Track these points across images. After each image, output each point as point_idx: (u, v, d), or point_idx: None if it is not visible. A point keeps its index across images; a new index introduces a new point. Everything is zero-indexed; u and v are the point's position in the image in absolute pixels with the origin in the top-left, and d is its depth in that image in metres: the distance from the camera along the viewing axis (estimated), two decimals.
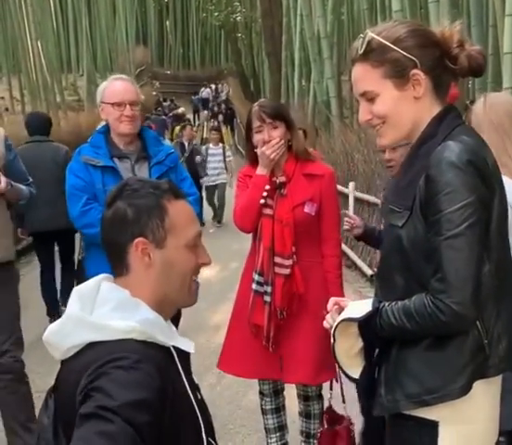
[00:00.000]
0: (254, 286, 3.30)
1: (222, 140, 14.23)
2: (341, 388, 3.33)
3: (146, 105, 25.38)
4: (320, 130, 13.37)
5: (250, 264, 3.37)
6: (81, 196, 3.42)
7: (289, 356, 3.26)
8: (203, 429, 1.53)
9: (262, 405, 3.62)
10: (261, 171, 3.26)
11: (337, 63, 14.40)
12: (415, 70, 1.84)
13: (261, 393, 3.62)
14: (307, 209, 3.28)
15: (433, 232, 1.76)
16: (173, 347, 1.54)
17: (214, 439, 1.59)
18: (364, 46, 1.86)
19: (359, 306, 1.91)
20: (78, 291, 1.55)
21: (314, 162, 3.46)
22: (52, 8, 23.35)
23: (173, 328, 1.63)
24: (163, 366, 1.44)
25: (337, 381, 3.29)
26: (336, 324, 1.89)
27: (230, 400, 4.75)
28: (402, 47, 1.83)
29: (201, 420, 1.53)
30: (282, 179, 3.29)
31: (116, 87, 3.53)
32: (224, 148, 12.65)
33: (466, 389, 1.78)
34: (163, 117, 25.43)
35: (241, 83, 28.66)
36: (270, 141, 3.23)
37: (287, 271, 3.24)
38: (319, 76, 14.20)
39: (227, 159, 12.38)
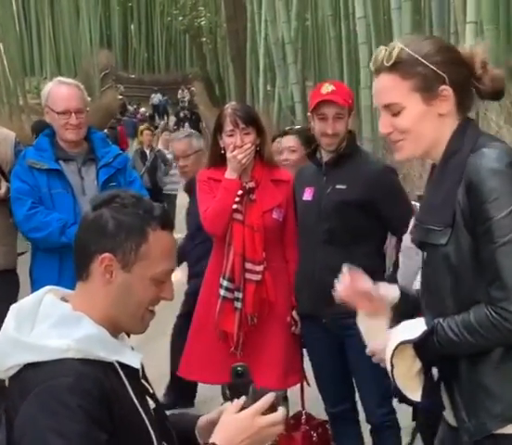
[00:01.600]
0: (222, 291, 3.28)
1: None
2: (302, 393, 3.38)
3: (110, 109, 25.25)
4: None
5: (215, 269, 3.36)
6: (25, 200, 3.37)
7: (258, 361, 3.26)
8: (155, 440, 1.52)
9: None
10: (230, 175, 3.26)
11: (301, 69, 14.48)
12: (443, 86, 1.81)
13: (225, 398, 3.63)
14: (275, 214, 3.31)
15: (485, 241, 1.73)
16: (119, 362, 1.51)
17: None
18: (393, 57, 1.82)
19: (410, 326, 1.84)
20: (16, 308, 1.52)
21: (279, 168, 3.50)
22: (14, 10, 23.09)
23: (126, 341, 1.61)
24: (104, 382, 1.43)
25: (309, 385, 3.34)
26: (393, 349, 1.80)
27: (197, 405, 4.75)
28: (432, 62, 1.80)
29: (153, 431, 1.52)
30: (251, 184, 3.31)
31: (61, 94, 3.46)
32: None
33: None
34: (133, 119, 25.35)
35: (206, 88, 28.64)
36: (242, 146, 3.24)
37: (258, 277, 3.25)
38: (284, 81, 14.27)
39: None
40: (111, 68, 33.24)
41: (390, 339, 1.84)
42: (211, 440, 1.47)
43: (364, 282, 1.99)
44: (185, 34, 33.23)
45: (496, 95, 1.88)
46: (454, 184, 1.79)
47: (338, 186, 3.16)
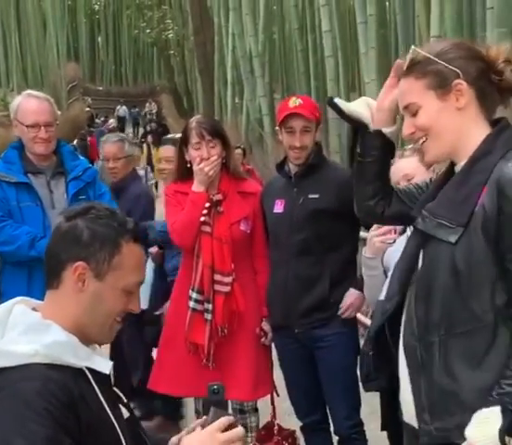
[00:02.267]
0: (192, 303, 3.29)
1: (150, 160, 12.94)
2: (272, 404, 3.40)
3: (77, 121, 25.12)
4: (253, 147, 13.49)
5: (184, 281, 3.37)
6: None
7: (228, 372, 3.27)
8: None
9: None
10: (197, 188, 3.27)
11: (269, 81, 14.56)
12: (457, 80, 1.84)
13: (197, 412, 3.64)
14: (243, 226, 3.33)
15: None
16: (89, 368, 1.52)
17: None
18: (408, 62, 1.89)
19: (483, 424, 1.71)
20: None
21: (247, 180, 3.54)
22: None
23: (97, 348, 1.62)
24: (72, 388, 1.44)
25: (278, 395, 3.35)
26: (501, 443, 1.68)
27: None
28: (444, 59, 1.85)
29: (124, 439, 1.53)
30: (218, 197, 3.32)
31: (31, 107, 3.43)
32: (146, 170, 10.93)
33: None
34: (104, 130, 25.25)
35: (174, 100, 28.66)
36: (208, 158, 3.26)
37: (227, 288, 3.27)
38: (251, 94, 14.34)
39: (150, 183, 10.57)
40: (79, 80, 33.09)
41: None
42: None
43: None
44: (153, 47, 33.27)
45: None
46: (478, 185, 1.79)
47: (310, 196, 3.21)
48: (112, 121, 28.97)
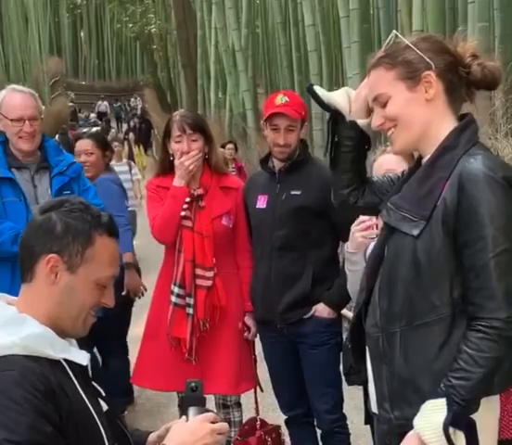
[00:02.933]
0: (173, 298, 3.30)
1: (131, 157, 12.23)
2: (255, 399, 3.41)
3: (60, 116, 24.97)
4: (237, 142, 13.48)
5: (166, 277, 3.37)
6: None
7: (210, 367, 3.28)
8: (106, 440, 1.53)
9: (180, 418, 3.63)
10: (178, 182, 3.27)
11: (252, 76, 14.54)
12: (427, 72, 1.86)
13: (180, 406, 3.64)
14: (225, 221, 3.34)
15: (476, 249, 1.74)
16: (67, 360, 1.53)
17: None
18: (389, 42, 1.92)
19: (428, 415, 1.76)
20: None
21: (228, 175, 3.54)
22: None
23: (73, 341, 1.63)
24: (50, 377, 1.45)
25: (262, 390, 3.36)
26: (444, 435, 1.72)
27: (151, 412, 4.74)
28: (418, 48, 1.87)
29: (104, 430, 1.53)
30: (199, 191, 3.32)
31: (15, 101, 3.40)
32: (129, 164, 9.90)
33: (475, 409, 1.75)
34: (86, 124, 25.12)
35: (158, 95, 28.55)
36: (189, 152, 3.25)
37: (208, 282, 3.27)
38: (235, 89, 14.32)
39: (134, 178, 9.68)
40: (61, 75, 32.83)
41: (425, 436, 1.74)
42: (164, 442, 1.52)
43: None
44: (136, 41, 33.12)
45: (488, 83, 1.90)
46: (441, 179, 1.82)
47: (292, 192, 3.21)
48: (93, 116, 28.82)
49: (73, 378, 1.52)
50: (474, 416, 1.75)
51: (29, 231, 1.59)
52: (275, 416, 3.76)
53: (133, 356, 5.27)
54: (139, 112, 30.08)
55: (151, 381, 3.43)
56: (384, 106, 1.91)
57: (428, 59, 1.87)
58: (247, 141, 13.28)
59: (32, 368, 1.44)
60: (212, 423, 1.54)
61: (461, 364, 1.74)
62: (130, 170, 9.59)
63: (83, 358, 1.58)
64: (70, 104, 29.99)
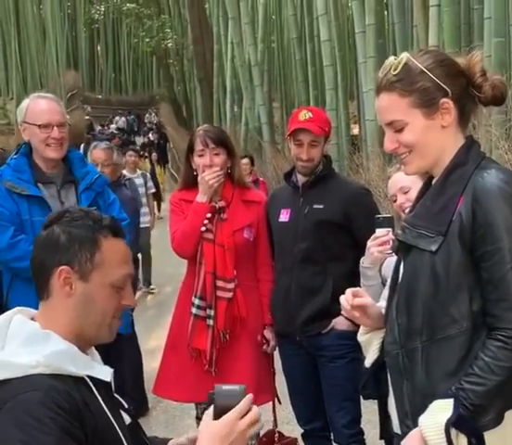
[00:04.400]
0: (194, 310, 3.32)
1: (153, 176, 11.05)
2: (274, 411, 3.41)
3: (77, 129, 25.17)
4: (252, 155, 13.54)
5: (188, 289, 3.39)
6: (7, 226, 3.17)
7: (229, 379, 3.28)
8: None
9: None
10: (201, 198, 3.30)
11: (268, 90, 14.63)
12: (444, 99, 1.84)
13: (198, 418, 3.64)
14: (246, 234, 3.36)
15: (494, 261, 1.75)
16: (90, 376, 1.53)
17: None
18: (400, 66, 1.85)
19: (433, 414, 1.77)
20: None
21: (251, 189, 3.57)
22: None
23: (96, 356, 1.63)
24: (75, 395, 1.45)
25: (280, 403, 3.36)
26: (445, 435, 1.73)
27: (166, 424, 4.75)
28: (435, 75, 1.84)
29: (127, 444, 1.54)
30: (221, 204, 3.35)
31: (42, 107, 3.28)
32: (145, 177, 9.12)
33: (497, 421, 1.78)
34: (106, 135, 25.22)
35: (174, 109, 28.71)
36: (211, 166, 3.29)
37: (229, 294, 3.29)
38: (251, 103, 14.40)
39: (149, 191, 9.11)
40: (78, 88, 33.15)
41: (426, 433, 1.76)
42: None
43: (365, 298, 2.04)
44: (152, 56, 33.33)
45: (498, 100, 1.91)
46: (455, 195, 1.83)
47: (315, 206, 3.24)
48: (113, 127, 28.82)
49: (97, 394, 1.52)
50: (500, 430, 1.76)
51: (36, 248, 1.60)
52: (290, 429, 3.75)
53: (148, 367, 5.33)
54: (154, 127, 30.12)
55: (172, 392, 3.45)
56: (398, 131, 1.89)
57: (444, 86, 1.84)
58: (262, 155, 13.33)
59: (57, 387, 1.44)
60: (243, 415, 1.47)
61: (475, 370, 1.76)
62: (145, 182, 8.91)
63: (106, 373, 1.58)
64: (87, 117, 30.21)
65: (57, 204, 3.26)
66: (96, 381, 1.54)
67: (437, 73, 1.85)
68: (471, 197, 1.79)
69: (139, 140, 28.50)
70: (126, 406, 1.65)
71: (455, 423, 1.73)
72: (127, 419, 1.62)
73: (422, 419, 1.79)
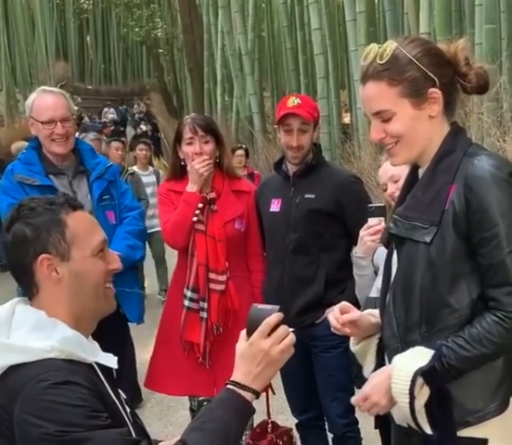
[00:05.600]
0: (187, 302, 3.30)
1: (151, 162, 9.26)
2: (267, 402, 3.40)
3: None
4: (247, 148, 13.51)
5: (178, 281, 3.37)
6: None
7: (223, 371, 3.27)
8: None
9: None
10: (191, 188, 3.27)
11: (259, 79, 14.57)
12: (432, 89, 1.83)
13: (191, 410, 3.64)
14: (237, 225, 3.34)
15: (492, 247, 1.75)
16: (96, 363, 1.55)
17: None
18: (388, 55, 1.81)
19: (410, 358, 1.80)
20: None
21: (240, 179, 3.54)
22: None
23: (96, 345, 1.64)
24: (90, 380, 1.47)
25: (274, 393, 3.35)
26: (411, 379, 1.76)
27: (160, 416, 4.75)
28: (422, 64, 1.81)
29: (134, 431, 1.55)
30: (212, 195, 3.33)
31: (46, 103, 3.29)
32: (157, 174, 7.89)
33: (504, 406, 1.81)
34: (97, 124, 24.99)
35: (164, 99, 28.58)
36: (201, 153, 3.26)
37: (221, 286, 3.27)
38: (241, 92, 14.35)
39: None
40: (68, 79, 32.93)
41: (394, 374, 1.79)
42: (232, 379, 1.53)
43: (352, 313, 2.01)
44: (142, 45, 33.15)
45: (482, 89, 1.90)
46: (445, 184, 1.82)
47: (306, 196, 3.22)
48: (111, 117, 28.54)
49: (104, 381, 1.54)
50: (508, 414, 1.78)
51: (9, 252, 1.60)
52: (284, 419, 3.75)
53: (140, 358, 5.31)
54: (144, 116, 29.88)
55: (164, 385, 3.44)
56: (386, 121, 1.86)
57: (432, 76, 1.82)
58: (254, 144, 13.29)
59: (75, 369, 1.46)
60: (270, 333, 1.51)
61: (465, 335, 1.77)
62: (158, 181, 7.57)
63: (112, 361, 1.60)
64: (76, 108, 30.05)
65: (70, 194, 3.20)
66: (101, 368, 1.56)
67: (425, 63, 1.82)
68: (463, 185, 1.78)
69: (130, 132, 28.17)
70: (124, 396, 1.66)
71: (425, 373, 1.75)
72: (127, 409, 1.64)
73: (397, 359, 1.81)
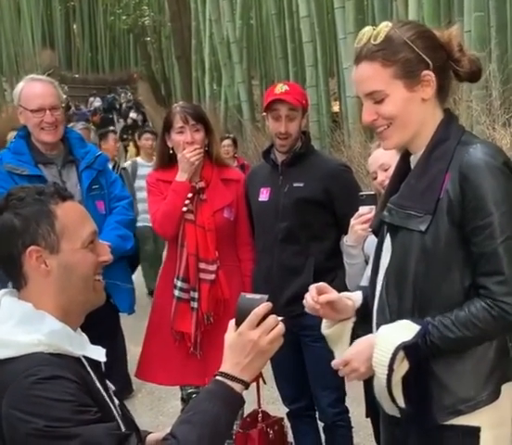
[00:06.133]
0: (177, 292, 3.29)
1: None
2: (258, 391, 3.41)
3: None
4: (232, 134, 13.46)
5: (168, 271, 3.36)
6: None
7: (213, 360, 3.26)
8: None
9: None
10: (181, 177, 3.25)
11: (247, 68, 14.50)
12: (426, 71, 1.82)
13: (183, 400, 3.64)
14: (226, 214, 3.33)
15: (485, 236, 1.75)
16: (84, 356, 1.54)
17: (141, 441, 1.59)
18: (382, 36, 1.81)
19: (396, 330, 1.82)
20: None
21: (229, 167, 3.52)
22: None
23: (85, 337, 1.63)
24: (78, 374, 1.46)
25: (265, 383, 3.36)
26: (392, 353, 1.77)
27: (151, 406, 4.74)
28: (416, 46, 1.81)
29: (122, 423, 1.54)
30: (201, 184, 3.31)
31: (35, 91, 3.27)
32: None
33: (496, 395, 1.82)
34: (86, 112, 24.79)
35: (152, 87, 28.45)
36: (192, 143, 3.24)
37: (212, 276, 3.27)
38: (230, 80, 14.27)
39: None
40: (54, 68, 32.74)
41: (378, 344, 1.80)
42: (221, 370, 1.51)
43: (330, 293, 2.00)
44: (129, 33, 32.97)
45: (475, 76, 1.90)
46: (440, 172, 1.81)
47: (295, 184, 3.20)
48: (99, 105, 28.39)
49: (92, 374, 1.53)
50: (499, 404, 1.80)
51: None
52: (276, 409, 3.75)
53: (129, 349, 5.30)
54: (132, 105, 29.65)
55: (156, 376, 3.44)
56: (378, 102, 1.85)
57: (426, 58, 1.82)
58: (242, 133, 13.24)
59: (62, 363, 1.44)
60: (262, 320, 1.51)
61: (452, 317, 1.78)
62: None
63: (100, 354, 1.59)
64: (65, 96, 29.87)
65: (59, 184, 3.24)
66: (89, 361, 1.54)
67: (418, 45, 1.82)
68: (458, 173, 1.78)
69: (120, 122, 27.75)
70: (113, 387, 1.65)
71: (407, 347, 1.76)
72: (115, 401, 1.62)
73: (382, 330, 1.83)
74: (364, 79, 1.85)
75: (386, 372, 1.77)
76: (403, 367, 1.79)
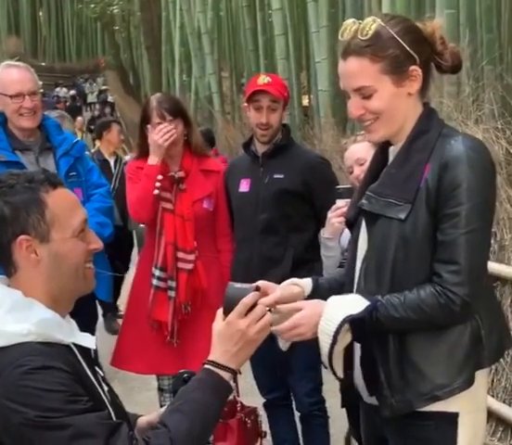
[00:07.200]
0: (155, 281, 3.30)
1: None
2: (235, 381, 3.43)
3: None
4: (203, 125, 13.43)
5: (146, 260, 3.37)
6: None
7: (191, 350, 3.29)
8: (114, 419, 1.54)
9: (160, 402, 3.64)
10: (152, 160, 3.25)
11: (217, 59, 14.45)
12: (413, 66, 1.84)
13: (160, 389, 3.64)
14: (206, 204, 3.34)
15: (450, 224, 1.78)
16: (74, 344, 1.54)
17: (132, 429, 1.60)
18: (371, 32, 1.81)
19: (348, 302, 1.85)
20: None
21: (209, 158, 3.54)
22: None
23: (74, 324, 1.63)
24: (68, 363, 1.46)
25: (240, 373, 3.37)
26: (338, 324, 1.80)
27: (124, 396, 4.72)
28: (404, 41, 1.83)
29: (112, 410, 1.55)
30: (180, 174, 3.32)
31: (13, 77, 3.28)
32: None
33: (471, 381, 1.85)
34: (53, 101, 24.45)
35: (120, 77, 28.21)
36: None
37: (190, 266, 3.28)
38: (200, 71, 14.21)
39: None
40: (20, 55, 32.27)
41: (326, 313, 1.83)
42: (209, 358, 1.53)
43: (272, 294, 1.90)
44: (97, 22, 32.60)
45: (456, 68, 1.93)
46: (420, 162, 1.84)
47: (275, 176, 3.22)
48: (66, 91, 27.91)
49: (82, 361, 1.53)
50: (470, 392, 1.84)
51: None
52: (251, 400, 3.78)
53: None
54: (100, 93, 29.28)
55: (132, 364, 3.44)
56: (366, 98, 1.87)
57: (413, 53, 1.85)
58: (213, 125, 13.22)
59: (52, 353, 1.44)
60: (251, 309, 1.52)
61: (402, 298, 1.82)
62: None
63: (90, 341, 1.59)
64: (40, 83, 29.38)
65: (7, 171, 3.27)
66: (79, 349, 1.54)
67: (406, 40, 1.84)
68: (438, 164, 1.81)
69: (86, 114, 27.20)
70: (102, 373, 1.65)
71: (353, 321, 1.80)
72: (105, 386, 1.63)
73: (333, 300, 1.85)
74: (353, 74, 1.87)
75: (330, 341, 1.80)
76: (346, 339, 1.83)
